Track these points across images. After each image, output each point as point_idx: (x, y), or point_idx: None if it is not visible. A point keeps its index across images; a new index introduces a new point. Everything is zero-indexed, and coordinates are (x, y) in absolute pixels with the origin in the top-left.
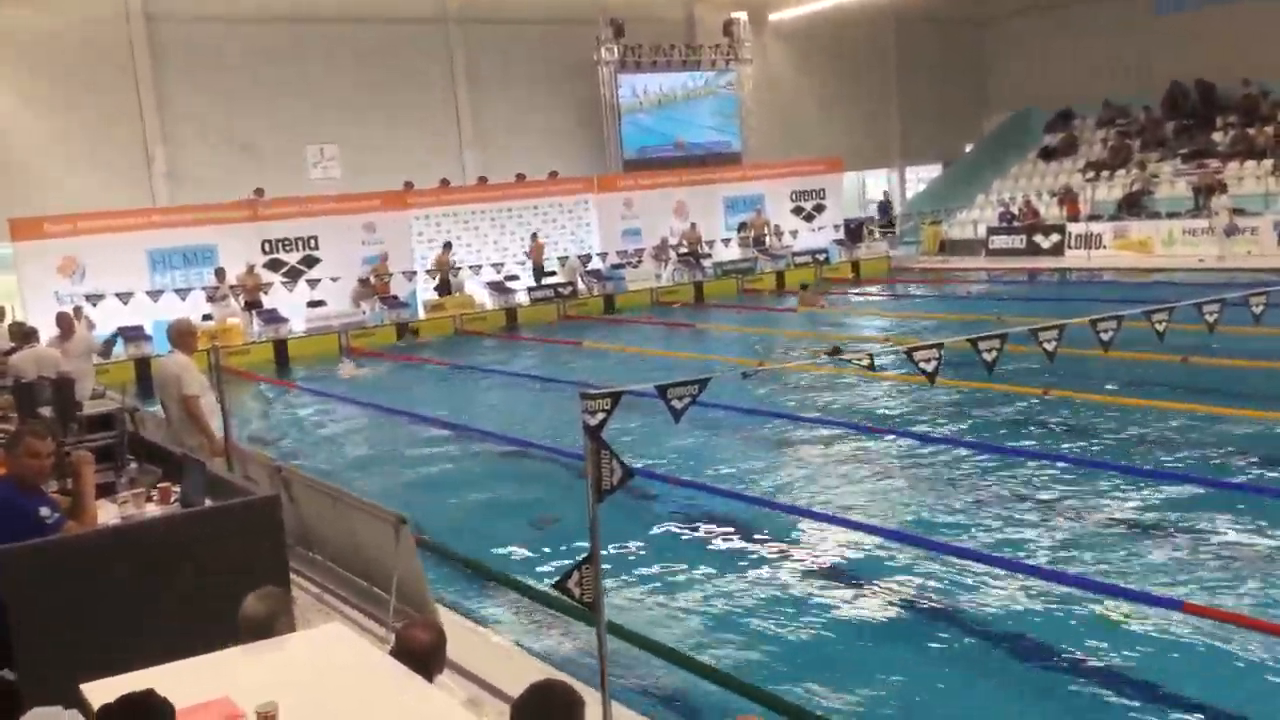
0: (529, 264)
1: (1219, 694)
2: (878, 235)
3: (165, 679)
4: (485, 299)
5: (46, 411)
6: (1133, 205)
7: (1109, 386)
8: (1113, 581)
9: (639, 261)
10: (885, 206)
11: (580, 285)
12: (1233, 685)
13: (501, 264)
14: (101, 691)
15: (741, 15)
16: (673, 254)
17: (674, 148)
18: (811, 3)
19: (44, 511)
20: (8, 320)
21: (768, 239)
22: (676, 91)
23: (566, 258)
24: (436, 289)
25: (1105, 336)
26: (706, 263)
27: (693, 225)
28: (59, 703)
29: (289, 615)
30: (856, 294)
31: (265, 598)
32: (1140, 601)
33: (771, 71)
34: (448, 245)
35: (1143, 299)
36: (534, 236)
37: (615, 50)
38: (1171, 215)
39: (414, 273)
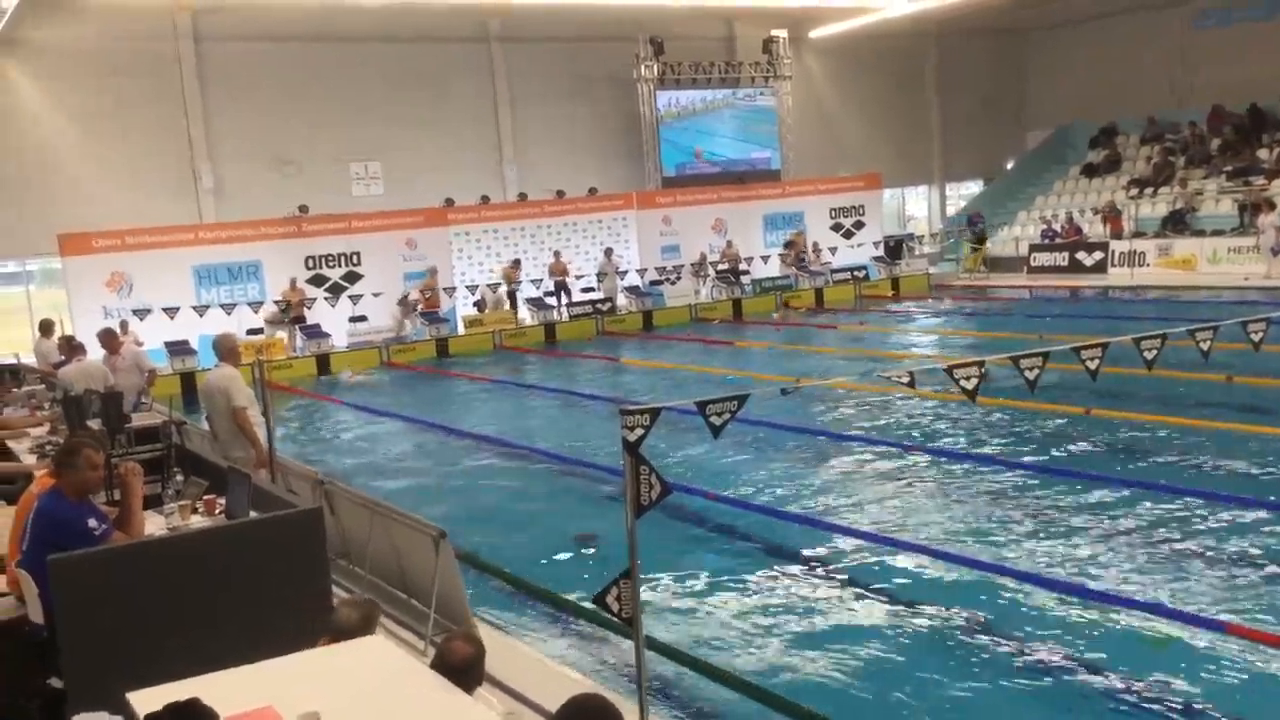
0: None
1: (1262, 717)
2: (968, 251)
3: (210, 688)
4: (524, 314)
5: (95, 424)
6: (1177, 222)
7: (1152, 405)
8: (1155, 600)
9: (678, 278)
10: (974, 220)
11: (620, 300)
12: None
13: (540, 280)
14: (147, 700)
15: (781, 33)
16: (711, 270)
17: (693, 158)
18: (851, 19)
19: (92, 522)
20: (56, 334)
21: (808, 257)
22: (695, 104)
23: (604, 275)
24: (476, 304)
25: (1149, 355)
26: (745, 279)
27: (729, 243)
28: (105, 711)
29: (374, 627)
30: (897, 310)
31: (359, 605)
32: (1182, 622)
33: (811, 88)
34: (517, 262)
35: (1187, 317)
36: (556, 255)
37: (655, 68)
38: (1216, 233)
39: (453, 289)
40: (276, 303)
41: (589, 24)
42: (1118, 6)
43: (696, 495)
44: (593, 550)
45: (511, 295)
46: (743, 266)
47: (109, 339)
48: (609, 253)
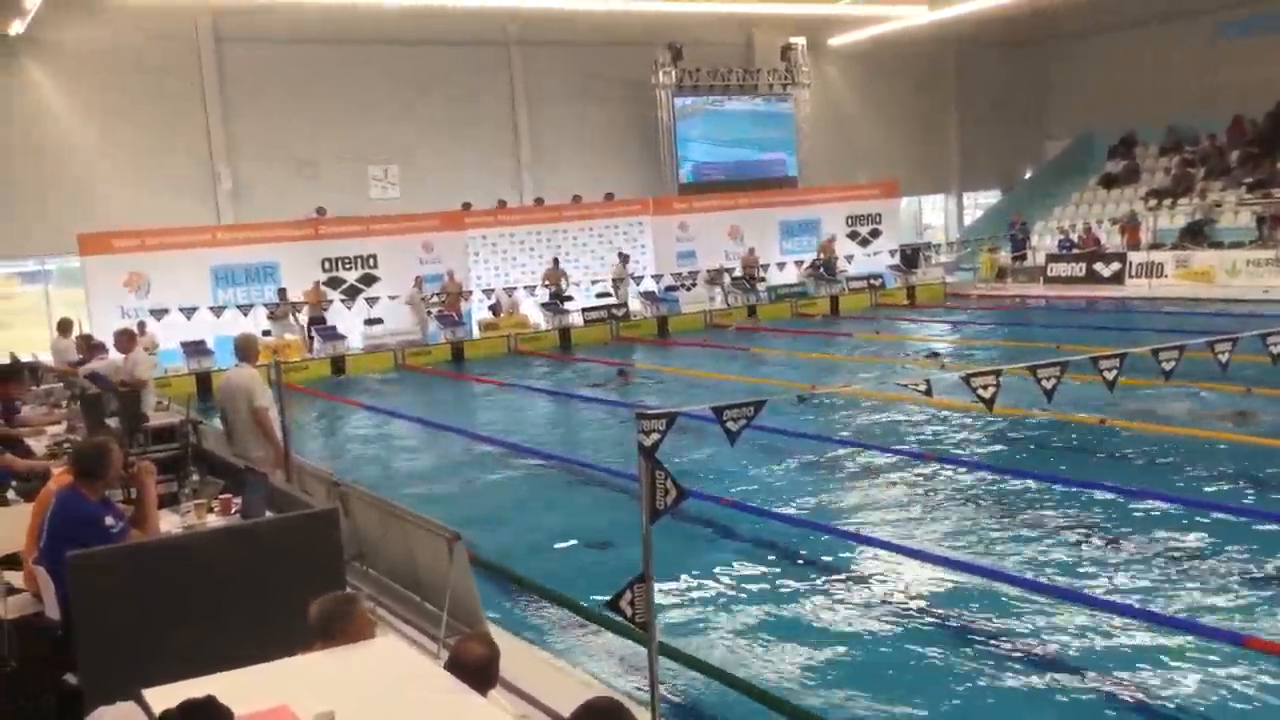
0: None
1: None
2: (1010, 264)
3: (225, 687)
4: (539, 319)
5: (113, 422)
6: (1195, 234)
7: (1168, 417)
8: (1172, 614)
9: (693, 284)
10: (1015, 223)
11: (635, 306)
12: None
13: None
14: (162, 698)
15: (800, 40)
16: (726, 277)
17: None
18: (871, 27)
19: (109, 520)
20: (74, 333)
21: (835, 265)
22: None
23: (621, 279)
24: (491, 308)
25: (1167, 366)
26: (761, 286)
27: (750, 250)
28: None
29: (350, 620)
30: (912, 319)
31: (324, 601)
32: (1200, 634)
33: (829, 95)
34: (556, 261)
35: (1205, 329)
36: (555, 262)
37: (673, 74)
38: (1235, 245)
39: (469, 292)
40: (281, 292)
41: (607, 29)
42: (1137, 17)
43: (712, 501)
44: (606, 554)
45: (556, 297)
46: (760, 273)
47: (122, 339)
48: (624, 258)
